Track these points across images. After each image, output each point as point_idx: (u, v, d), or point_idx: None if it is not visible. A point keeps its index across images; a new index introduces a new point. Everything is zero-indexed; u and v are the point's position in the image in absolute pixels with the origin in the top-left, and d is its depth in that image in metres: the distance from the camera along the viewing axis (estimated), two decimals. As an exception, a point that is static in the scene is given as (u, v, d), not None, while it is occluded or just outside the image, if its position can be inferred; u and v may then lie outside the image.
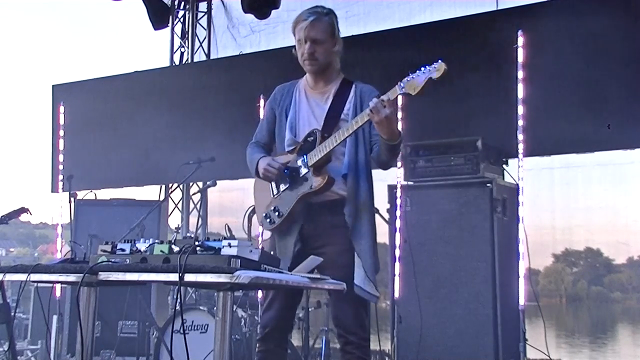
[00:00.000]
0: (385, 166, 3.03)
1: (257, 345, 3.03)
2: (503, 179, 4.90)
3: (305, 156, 2.93)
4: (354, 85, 3.04)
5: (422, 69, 2.72)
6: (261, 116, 5.62)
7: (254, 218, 3.23)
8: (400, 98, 5.21)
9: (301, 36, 2.96)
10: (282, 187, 2.99)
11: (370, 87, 3.04)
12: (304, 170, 2.93)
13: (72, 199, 5.87)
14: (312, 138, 2.95)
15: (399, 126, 2.85)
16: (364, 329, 2.91)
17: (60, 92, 7.65)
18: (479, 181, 4.65)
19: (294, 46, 3.05)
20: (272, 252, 2.88)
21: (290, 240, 2.96)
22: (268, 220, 3.02)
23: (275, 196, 3.02)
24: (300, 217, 2.95)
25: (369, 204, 2.97)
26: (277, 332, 2.99)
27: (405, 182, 4.96)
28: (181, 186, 7.69)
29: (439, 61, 2.69)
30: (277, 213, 2.98)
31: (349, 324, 2.88)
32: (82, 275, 2.21)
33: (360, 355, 2.88)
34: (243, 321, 5.20)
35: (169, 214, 7.40)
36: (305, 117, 3.05)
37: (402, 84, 2.76)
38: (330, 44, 2.98)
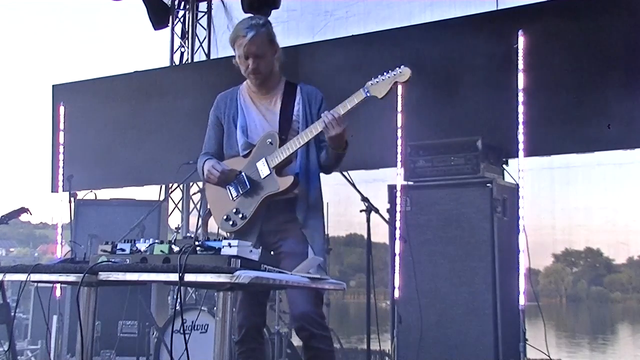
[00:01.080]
0: (329, 171, 3.16)
1: (237, 347, 3.05)
2: (503, 179, 4.90)
3: (265, 159, 2.99)
4: (298, 87, 3.13)
5: (386, 73, 2.85)
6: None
7: (211, 220, 3.27)
8: (400, 98, 5.25)
9: (241, 52, 3.00)
10: (241, 189, 3.04)
11: (313, 88, 3.15)
12: (265, 172, 2.99)
13: (72, 199, 5.87)
14: (270, 140, 3.01)
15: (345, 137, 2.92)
16: (324, 320, 2.97)
17: (60, 92, 7.64)
18: (479, 181, 4.65)
19: (234, 56, 3.09)
20: None
21: (251, 239, 2.97)
22: (230, 222, 3.05)
23: (234, 199, 3.07)
24: (259, 217, 3.01)
25: (320, 201, 3.09)
26: (253, 330, 3.05)
27: (405, 182, 4.96)
28: (181, 186, 7.69)
29: (402, 66, 2.82)
30: (239, 215, 3.02)
31: (311, 315, 2.89)
32: (82, 275, 2.21)
33: (327, 348, 2.92)
34: (243, 321, 5.20)
35: (169, 214, 7.39)
36: (257, 121, 3.12)
37: (366, 89, 2.88)
38: (270, 54, 3.04)
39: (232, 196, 3.07)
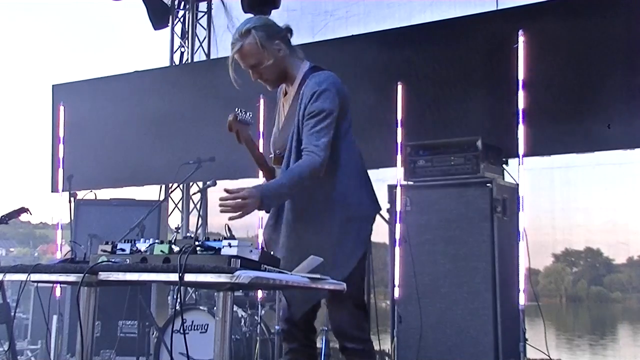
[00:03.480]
0: None
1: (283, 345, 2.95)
2: (503, 179, 4.90)
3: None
4: (307, 81, 2.80)
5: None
6: (261, 116, 5.65)
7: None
8: (400, 98, 5.25)
9: (241, 64, 2.85)
10: None
11: (317, 80, 2.75)
12: None
13: (72, 199, 5.87)
14: (270, 156, 2.95)
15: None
16: (363, 332, 2.81)
17: (60, 92, 7.64)
18: (479, 181, 4.65)
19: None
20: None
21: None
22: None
23: None
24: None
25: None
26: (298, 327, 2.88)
27: (405, 182, 4.96)
28: (181, 186, 7.69)
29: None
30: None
31: (345, 331, 2.77)
32: (82, 275, 2.21)
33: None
34: (243, 321, 5.21)
35: (169, 214, 7.40)
36: (276, 125, 3.01)
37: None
38: (266, 59, 2.77)
39: None
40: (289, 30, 2.89)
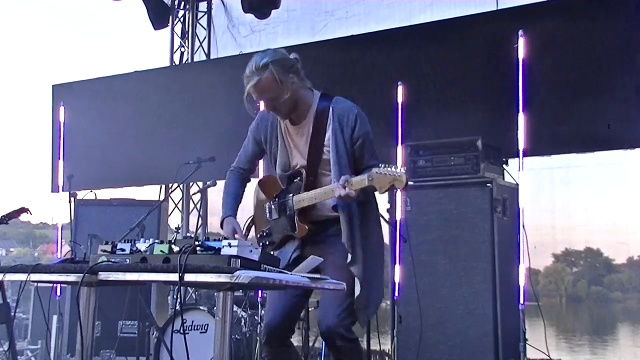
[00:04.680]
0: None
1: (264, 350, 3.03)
2: (503, 179, 4.89)
3: (291, 196, 3.00)
4: (330, 109, 2.96)
5: (391, 168, 2.71)
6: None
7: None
8: (400, 98, 5.25)
9: (254, 95, 2.93)
10: (274, 215, 3.10)
11: (346, 107, 2.97)
12: (290, 210, 3.01)
13: (72, 199, 5.87)
14: (298, 179, 3.00)
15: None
16: (350, 332, 2.89)
17: (60, 92, 7.64)
18: (479, 181, 4.64)
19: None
20: None
21: (289, 247, 3.04)
22: (264, 240, 3.14)
23: (268, 219, 3.14)
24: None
25: (363, 222, 2.97)
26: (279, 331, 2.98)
27: (405, 182, 4.95)
28: (181, 186, 7.69)
29: (403, 170, 2.70)
30: (270, 238, 3.11)
31: (335, 330, 2.84)
32: (82, 275, 2.22)
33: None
34: (243, 321, 5.20)
35: (169, 214, 7.39)
36: (290, 149, 3.06)
37: (370, 177, 2.71)
38: (283, 92, 2.88)
39: (267, 216, 3.14)
40: (298, 61, 2.98)
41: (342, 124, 2.92)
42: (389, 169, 2.68)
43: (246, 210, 3.33)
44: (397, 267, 4.82)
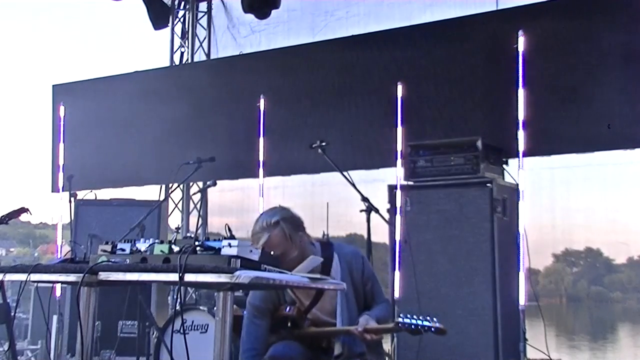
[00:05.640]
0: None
1: None
2: (503, 179, 4.90)
3: None
4: (335, 258, 3.10)
5: (426, 322, 2.91)
6: (261, 115, 5.65)
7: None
8: (400, 98, 5.25)
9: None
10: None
11: (351, 252, 3.17)
12: None
13: (72, 199, 5.87)
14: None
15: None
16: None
17: (60, 92, 7.65)
18: (479, 181, 4.64)
19: None
20: None
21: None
22: None
23: None
24: None
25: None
26: None
27: (405, 182, 4.95)
28: (181, 186, 7.69)
29: (439, 326, 2.92)
30: None
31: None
32: (82, 275, 2.22)
33: None
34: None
35: (169, 214, 7.39)
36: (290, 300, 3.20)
37: (400, 325, 2.93)
38: (292, 250, 2.95)
39: None
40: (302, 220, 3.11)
41: (352, 269, 3.11)
42: (420, 324, 2.98)
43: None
44: (397, 267, 4.81)
